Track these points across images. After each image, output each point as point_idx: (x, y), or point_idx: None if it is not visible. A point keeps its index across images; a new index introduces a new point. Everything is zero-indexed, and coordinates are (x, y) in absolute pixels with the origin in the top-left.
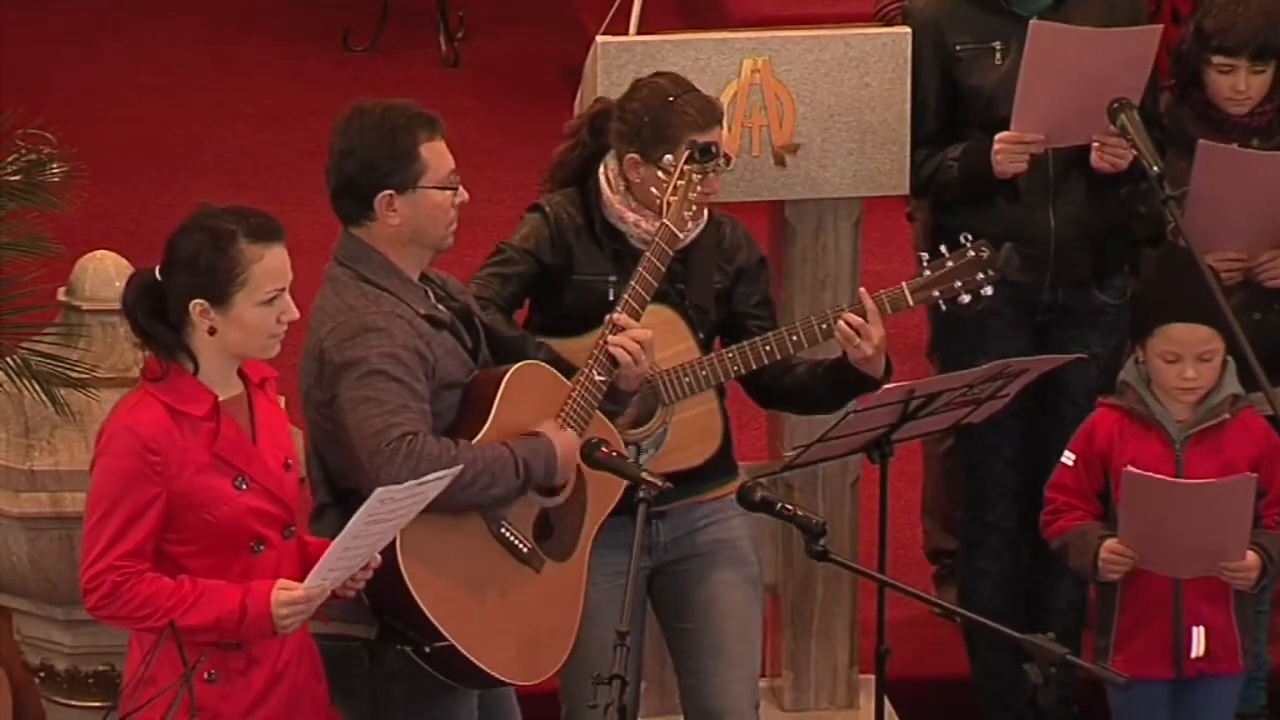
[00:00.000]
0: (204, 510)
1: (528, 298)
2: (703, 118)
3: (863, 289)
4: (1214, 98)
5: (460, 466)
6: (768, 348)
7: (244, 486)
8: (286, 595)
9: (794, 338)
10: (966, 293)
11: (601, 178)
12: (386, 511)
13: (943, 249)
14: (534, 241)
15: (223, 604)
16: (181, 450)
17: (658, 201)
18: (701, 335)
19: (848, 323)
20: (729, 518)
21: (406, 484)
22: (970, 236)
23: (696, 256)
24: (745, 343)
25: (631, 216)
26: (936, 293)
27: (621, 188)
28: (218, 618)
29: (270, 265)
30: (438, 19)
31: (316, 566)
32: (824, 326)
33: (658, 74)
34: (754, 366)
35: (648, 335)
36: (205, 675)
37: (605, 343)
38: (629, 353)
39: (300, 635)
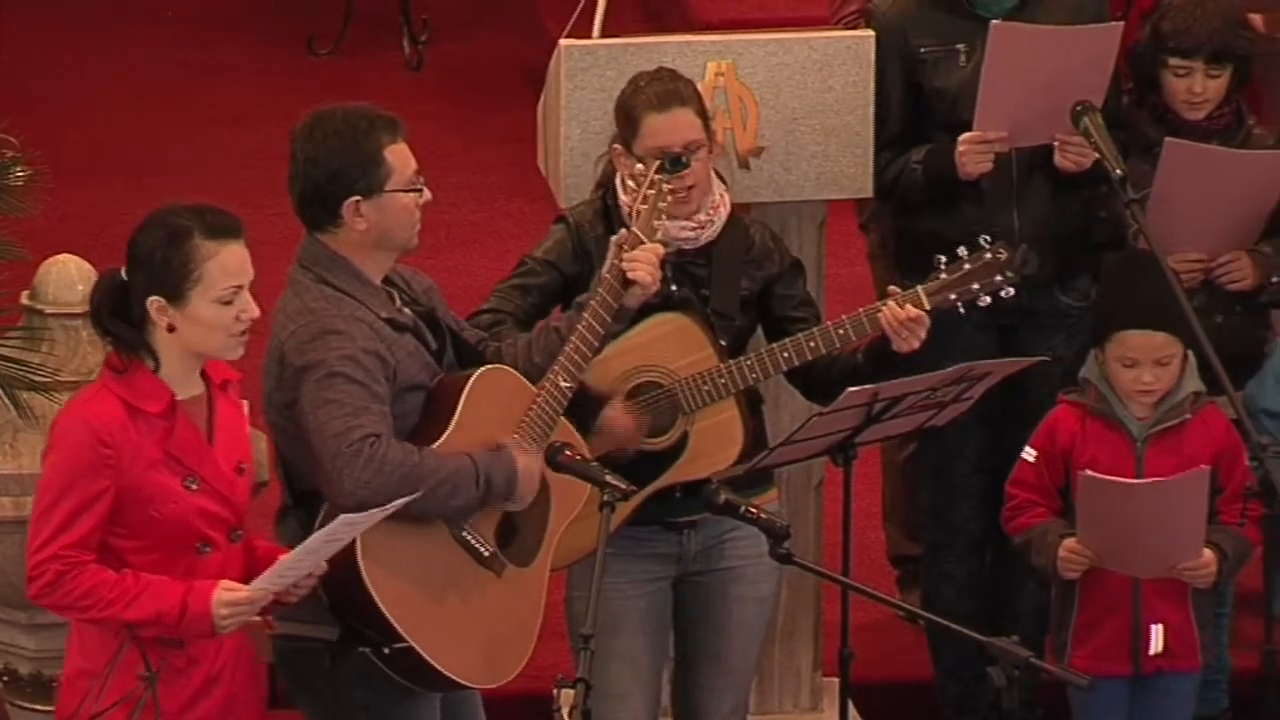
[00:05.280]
0: (151, 506)
1: (552, 309)
2: (660, 99)
3: (893, 287)
4: (1170, 100)
5: (420, 492)
6: (785, 354)
7: (194, 486)
8: (229, 596)
9: (811, 343)
10: (985, 295)
11: (617, 181)
12: (345, 532)
13: (960, 251)
14: (556, 254)
15: (164, 599)
16: (134, 445)
17: (625, 209)
18: (724, 342)
19: (895, 316)
20: (757, 532)
21: (369, 511)
22: (989, 239)
23: (721, 261)
24: (764, 349)
25: None
26: (953, 295)
27: (631, 186)
28: (158, 612)
29: (226, 262)
30: (401, 22)
31: (266, 573)
32: (841, 332)
33: (656, 68)
34: (771, 374)
35: (659, 249)
36: (135, 670)
37: (618, 263)
38: (648, 271)
39: (239, 639)
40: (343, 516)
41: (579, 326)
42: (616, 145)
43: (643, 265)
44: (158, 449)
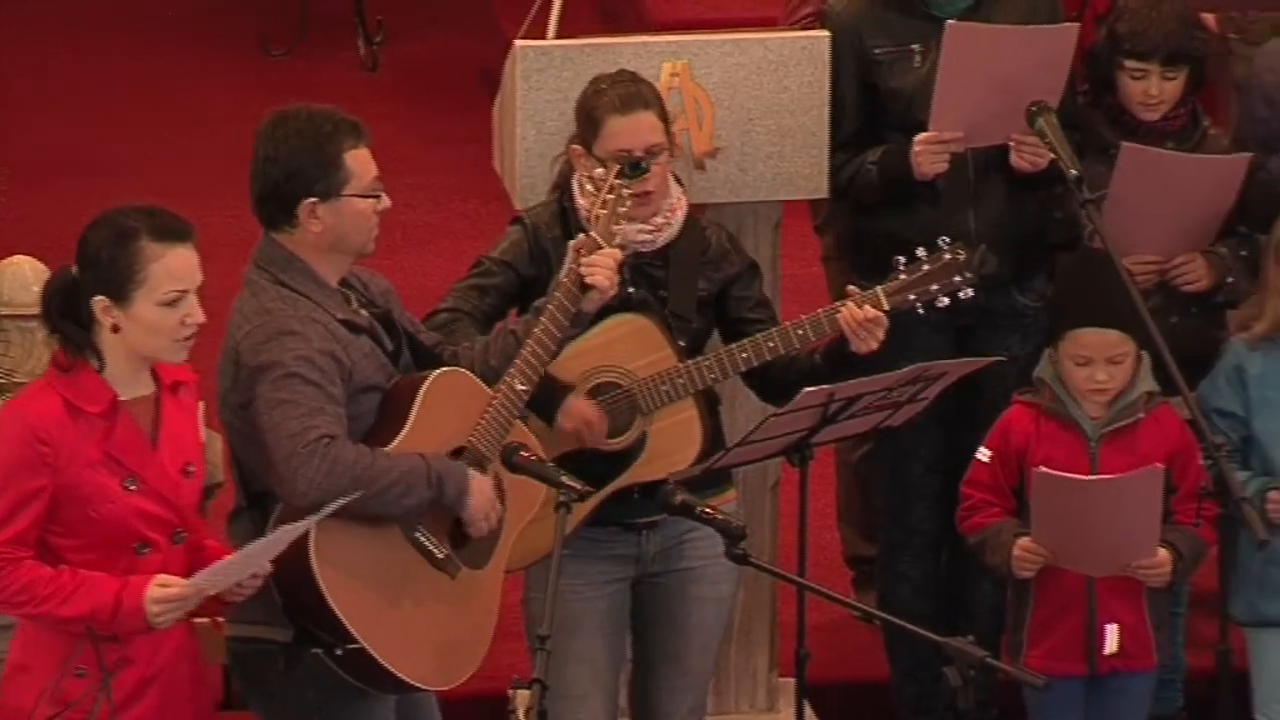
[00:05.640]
0: (88, 506)
1: (509, 309)
2: (623, 102)
3: (852, 286)
4: (1126, 102)
5: (363, 493)
6: (744, 355)
7: (133, 487)
8: (161, 592)
9: (770, 344)
10: (944, 295)
11: (574, 183)
12: (285, 537)
13: (919, 252)
14: (512, 254)
15: (99, 595)
16: (72, 444)
17: (582, 213)
18: (682, 343)
19: (854, 316)
20: (715, 533)
21: (308, 519)
22: (948, 239)
23: (678, 263)
24: (723, 350)
25: None
26: (913, 296)
27: (590, 190)
28: (93, 609)
29: (171, 265)
30: (356, 23)
31: (203, 571)
32: (800, 332)
33: (617, 71)
34: (730, 374)
35: (618, 254)
36: (76, 670)
37: (576, 267)
38: (606, 276)
39: (181, 640)
40: (283, 528)
41: (535, 330)
42: (576, 146)
43: (600, 270)
44: (97, 449)
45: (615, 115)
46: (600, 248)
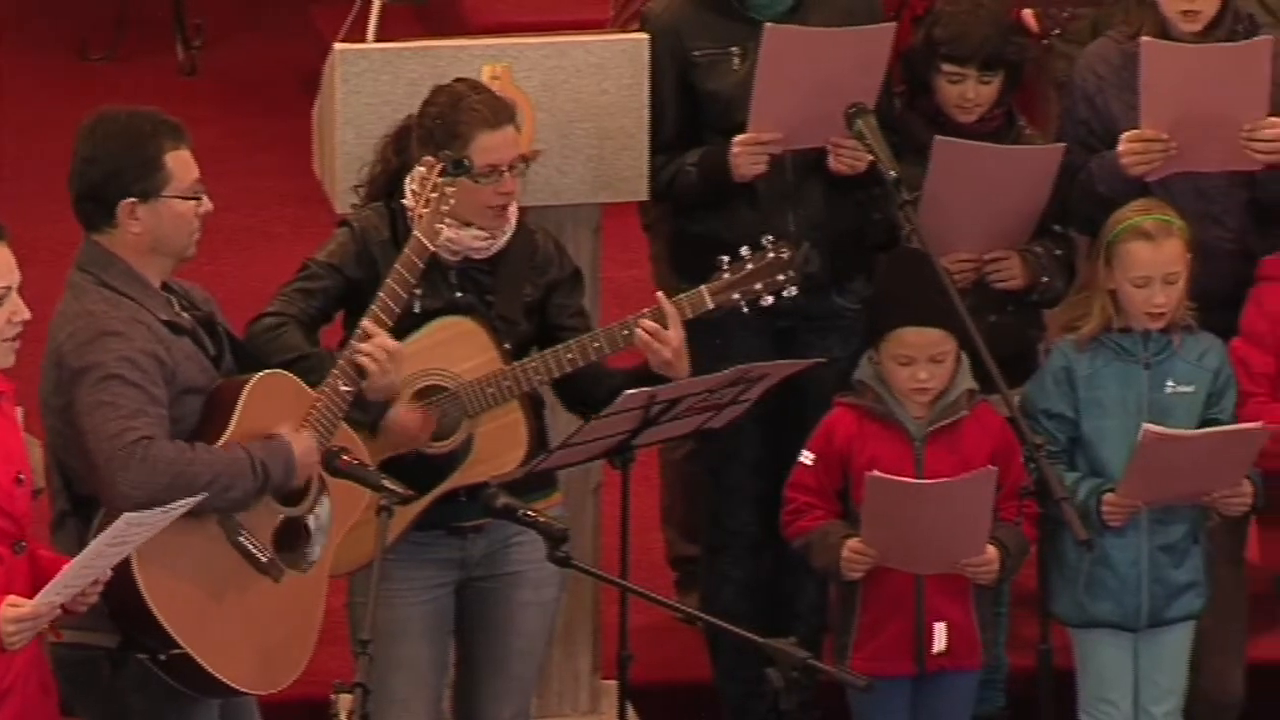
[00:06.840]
0: None
1: (335, 312)
2: (494, 115)
3: (660, 294)
4: (943, 104)
5: (200, 493)
6: (570, 355)
7: None
8: (15, 612)
9: (595, 344)
10: (768, 294)
11: (406, 188)
12: (130, 535)
13: (743, 251)
14: (339, 257)
15: None
16: None
17: (410, 213)
18: (508, 346)
19: (645, 329)
20: (540, 537)
21: (155, 510)
22: (772, 238)
23: (507, 268)
24: (548, 351)
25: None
26: (736, 295)
27: (415, 190)
28: None
29: None
30: (175, 27)
31: (51, 584)
32: (625, 333)
33: (456, 79)
34: (555, 375)
35: (396, 345)
36: None
37: (353, 352)
38: (376, 361)
39: (31, 651)
40: (125, 517)
41: (323, 393)
42: (429, 158)
43: (372, 354)
44: None
45: (487, 130)
46: (373, 337)
